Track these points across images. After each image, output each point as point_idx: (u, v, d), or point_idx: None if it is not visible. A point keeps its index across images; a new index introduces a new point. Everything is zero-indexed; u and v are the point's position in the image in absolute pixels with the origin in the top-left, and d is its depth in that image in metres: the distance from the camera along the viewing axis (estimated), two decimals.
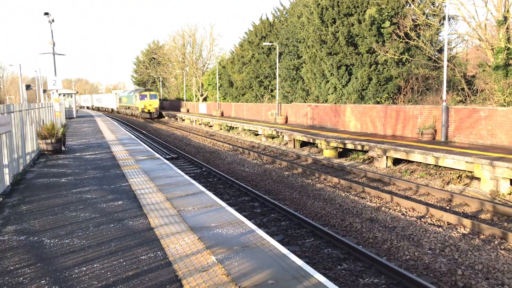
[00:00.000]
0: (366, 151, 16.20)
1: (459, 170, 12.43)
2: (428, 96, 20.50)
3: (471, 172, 11.76)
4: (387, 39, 21.94)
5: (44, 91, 38.65)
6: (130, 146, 16.46)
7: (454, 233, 8.06)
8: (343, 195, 11.20)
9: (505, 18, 16.88)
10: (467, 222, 8.47)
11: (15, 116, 10.37)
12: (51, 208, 7.21)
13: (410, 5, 21.92)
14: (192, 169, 15.73)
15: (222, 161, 17.84)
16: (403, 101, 21.12)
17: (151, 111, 47.61)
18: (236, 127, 30.18)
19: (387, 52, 21.38)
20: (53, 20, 20.00)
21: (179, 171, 10.67)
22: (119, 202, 7.50)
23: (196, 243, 5.37)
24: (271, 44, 30.84)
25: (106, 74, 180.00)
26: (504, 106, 15.53)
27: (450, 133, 15.42)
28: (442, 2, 20.18)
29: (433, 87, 21.20)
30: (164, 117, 51.88)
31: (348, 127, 21.24)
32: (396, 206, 10.02)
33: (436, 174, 12.99)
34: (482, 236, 7.93)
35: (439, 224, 8.75)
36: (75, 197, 7.93)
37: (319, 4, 24.14)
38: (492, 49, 17.55)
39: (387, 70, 22.09)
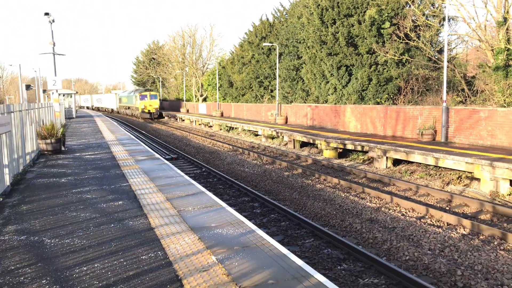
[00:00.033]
0: (366, 152, 16.21)
1: (459, 170, 12.45)
2: (428, 96, 20.52)
3: (471, 172, 11.77)
4: (387, 40, 21.96)
5: (44, 91, 38.65)
6: (130, 146, 16.47)
7: (454, 234, 8.07)
8: (343, 195, 11.21)
9: (505, 19, 16.90)
10: (466, 222, 8.48)
11: (15, 116, 10.37)
12: (51, 208, 7.22)
13: (410, 6, 21.94)
14: (192, 169, 15.74)
15: (222, 161, 17.84)
16: (403, 102, 21.14)
17: (151, 111, 47.58)
18: (236, 128, 30.19)
19: (387, 52, 21.40)
20: (53, 20, 20.02)
21: (179, 171, 10.67)
22: (119, 202, 7.51)
23: (197, 243, 5.38)
24: (271, 44, 30.86)
25: (105, 74, 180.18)
26: (504, 107, 15.54)
27: (450, 134, 15.44)
28: (442, 3, 20.20)
29: (433, 87, 21.22)
30: (164, 117, 51.88)
31: (348, 127, 21.25)
32: (396, 207, 10.03)
33: (436, 175, 13.00)
34: (481, 237, 7.94)
35: (438, 224, 8.76)
36: (75, 197, 7.93)
37: (319, 4, 24.17)
38: (492, 50, 17.57)
39: (387, 71, 22.11)
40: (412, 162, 14.39)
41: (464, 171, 12.24)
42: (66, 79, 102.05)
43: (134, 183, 9.13)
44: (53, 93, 20.15)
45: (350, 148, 16.60)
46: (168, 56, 61.35)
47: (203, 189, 8.55)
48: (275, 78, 32.41)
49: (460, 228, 8.42)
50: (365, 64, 22.35)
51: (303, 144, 21.08)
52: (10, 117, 9.46)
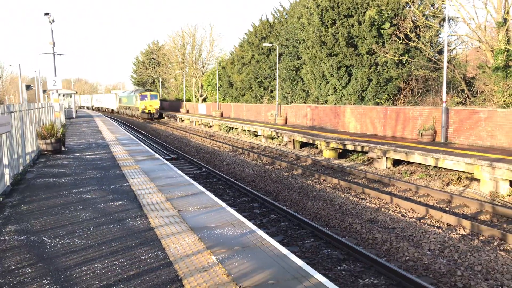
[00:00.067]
0: (366, 152, 16.22)
1: (458, 171, 12.46)
2: (428, 97, 20.54)
3: (470, 173, 11.78)
4: (387, 40, 21.98)
5: (44, 91, 38.65)
6: (130, 146, 16.47)
7: (454, 234, 8.08)
8: (343, 196, 11.22)
9: (505, 20, 16.92)
10: (466, 223, 8.49)
11: (15, 116, 10.37)
12: (52, 208, 7.22)
13: (410, 7, 21.96)
14: (191, 169, 15.74)
15: (222, 161, 17.85)
16: (403, 102, 21.16)
17: (151, 111, 47.54)
18: (235, 128, 30.19)
19: (387, 53, 21.42)
20: (53, 21, 20.02)
21: (179, 171, 10.68)
22: (119, 202, 7.51)
23: (197, 243, 5.39)
24: (271, 45, 30.87)
25: (105, 74, 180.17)
26: (504, 107, 15.56)
27: (450, 135, 15.45)
28: (442, 3, 20.22)
29: (433, 88, 21.24)
30: (164, 117, 51.89)
31: (348, 128, 21.26)
32: (396, 207, 10.04)
33: (435, 175, 13.01)
34: (481, 237, 7.94)
35: (438, 225, 8.76)
36: (75, 197, 7.94)
37: (319, 5, 24.18)
38: (492, 51, 17.59)
39: (387, 71, 22.12)
40: (412, 163, 14.40)
41: (464, 172, 12.25)
42: (66, 79, 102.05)
43: (134, 183, 9.13)
44: (53, 93, 20.15)
45: (350, 148, 16.61)
46: (168, 56, 61.36)
47: (203, 189, 8.55)
48: (275, 79, 32.42)
49: (460, 228, 8.42)
50: (365, 64, 22.37)
51: (303, 145, 21.09)
52: (10, 117, 9.47)
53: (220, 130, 32.50)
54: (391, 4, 21.92)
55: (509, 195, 10.53)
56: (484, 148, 13.67)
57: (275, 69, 32.59)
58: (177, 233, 5.78)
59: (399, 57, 21.35)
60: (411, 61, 21.69)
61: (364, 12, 22.57)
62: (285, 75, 30.25)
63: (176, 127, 37.83)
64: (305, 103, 27.82)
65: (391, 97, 21.93)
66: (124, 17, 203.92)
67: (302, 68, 27.65)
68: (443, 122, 15.38)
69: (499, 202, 10.29)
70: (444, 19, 20.31)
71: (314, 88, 26.14)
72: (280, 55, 31.66)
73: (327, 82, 24.53)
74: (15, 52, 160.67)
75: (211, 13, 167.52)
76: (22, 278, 4.47)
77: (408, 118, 17.43)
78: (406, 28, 20.76)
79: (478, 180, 11.42)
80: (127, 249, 5.23)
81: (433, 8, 21.77)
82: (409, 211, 9.71)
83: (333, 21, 23.51)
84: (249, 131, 27.81)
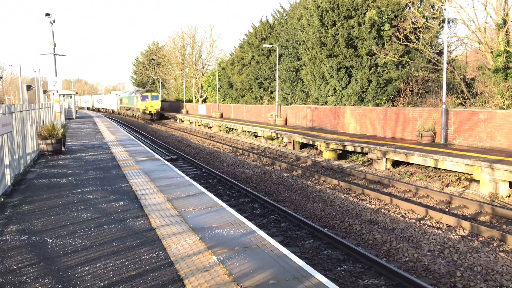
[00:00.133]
0: (366, 153, 16.25)
1: (458, 172, 12.49)
2: (428, 98, 20.59)
3: (470, 174, 11.81)
4: (386, 42, 22.03)
5: (44, 91, 38.65)
6: (130, 147, 16.49)
7: (453, 235, 8.10)
8: (343, 196, 11.24)
9: (504, 22, 16.97)
10: (466, 224, 8.51)
11: (16, 116, 10.40)
12: (53, 208, 7.24)
13: (409, 8, 22.02)
14: (192, 170, 15.77)
15: (222, 162, 17.87)
16: (403, 104, 21.20)
17: (152, 112, 47.45)
18: (235, 129, 30.22)
19: (387, 54, 21.46)
20: (54, 21, 20.05)
21: (179, 172, 10.70)
22: (120, 203, 7.54)
23: (198, 244, 5.41)
24: (271, 46, 30.92)
25: (105, 75, 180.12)
26: (504, 109, 15.60)
27: (449, 136, 15.48)
28: (442, 5, 20.27)
29: (433, 89, 21.29)
30: (165, 118, 51.92)
31: (348, 129, 21.30)
32: (396, 208, 10.06)
33: (435, 177, 13.04)
34: (481, 238, 7.97)
35: (438, 226, 8.79)
36: (76, 198, 7.96)
37: (319, 6, 24.23)
38: (492, 52, 17.64)
39: (386, 73, 22.17)
40: (411, 164, 14.43)
41: (463, 173, 12.28)
42: (66, 80, 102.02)
43: (135, 184, 9.16)
44: (53, 93, 20.18)
45: (349, 149, 16.64)
46: (168, 57, 61.41)
47: (204, 189, 8.58)
48: (275, 80, 32.46)
49: (459, 229, 8.45)
50: (365, 65, 22.41)
51: (303, 146, 21.12)
52: (11, 117, 9.49)
53: (220, 131, 32.53)
54: (391, 5, 21.98)
55: (509, 196, 10.56)
56: (484, 149, 13.70)
57: (275, 70, 32.63)
58: (178, 233, 5.81)
59: (399, 59, 21.40)
60: (411, 62, 21.74)
61: (364, 14, 22.62)
62: (285, 76, 30.30)
63: (176, 128, 37.85)
64: (305, 104, 27.86)
65: (391, 98, 21.97)
66: (124, 17, 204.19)
67: (302, 69, 27.69)
68: (442, 123, 15.41)
69: (498, 203, 10.32)
70: (443, 21, 20.35)
71: (314, 89, 26.18)
72: (280, 56, 31.70)
73: (327, 83, 24.58)
74: (16, 52, 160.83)
75: (211, 14, 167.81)
76: (24, 277, 4.49)
77: (407, 119, 17.46)
78: (406, 30, 20.81)
79: (477, 181, 11.45)
80: (128, 249, 5.26)
81: (433, 9, 21.83)
82: (408, 212, 9.73)
83: (333, 22, 23.56)
84: (249, 132, 27.84)
